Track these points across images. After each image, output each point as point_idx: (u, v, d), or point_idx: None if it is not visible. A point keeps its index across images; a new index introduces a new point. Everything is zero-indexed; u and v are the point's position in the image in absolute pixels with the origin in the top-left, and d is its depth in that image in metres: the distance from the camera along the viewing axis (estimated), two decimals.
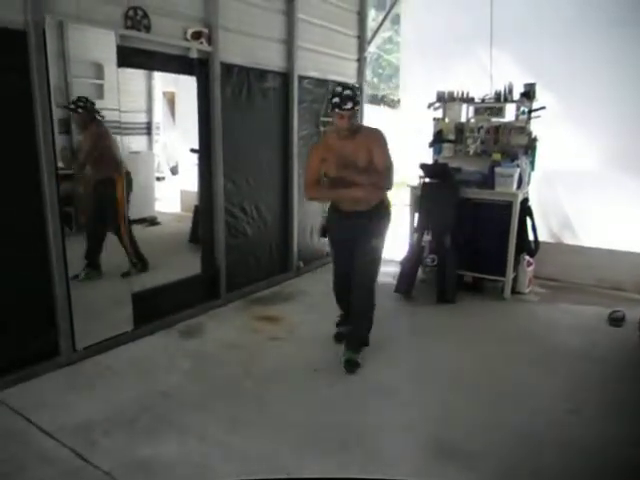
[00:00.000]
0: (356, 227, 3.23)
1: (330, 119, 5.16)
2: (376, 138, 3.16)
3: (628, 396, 3.00)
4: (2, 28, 2.66)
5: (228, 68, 4.04)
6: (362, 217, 3.21)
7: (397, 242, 4.93)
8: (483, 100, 4.75)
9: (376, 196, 3.21)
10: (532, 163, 4.68)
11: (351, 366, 3.24)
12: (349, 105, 2.98)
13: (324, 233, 3.86)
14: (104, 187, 3.62)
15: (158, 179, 5.59)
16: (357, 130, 3.14)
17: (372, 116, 6.42)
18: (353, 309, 3.37)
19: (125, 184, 3.65)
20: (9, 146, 2.79)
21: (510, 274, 4.53)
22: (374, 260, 3.29)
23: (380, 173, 3.09)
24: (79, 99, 3.21)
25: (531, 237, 4.58)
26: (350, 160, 3.11)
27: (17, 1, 2.70)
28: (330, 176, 3.20)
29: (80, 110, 3.23)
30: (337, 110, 3.02)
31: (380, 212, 3.27)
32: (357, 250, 3.26)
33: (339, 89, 3.04)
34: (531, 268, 4.73)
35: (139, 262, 4.08)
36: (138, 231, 4.15)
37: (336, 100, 3.00)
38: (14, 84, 2.76)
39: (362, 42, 5.75)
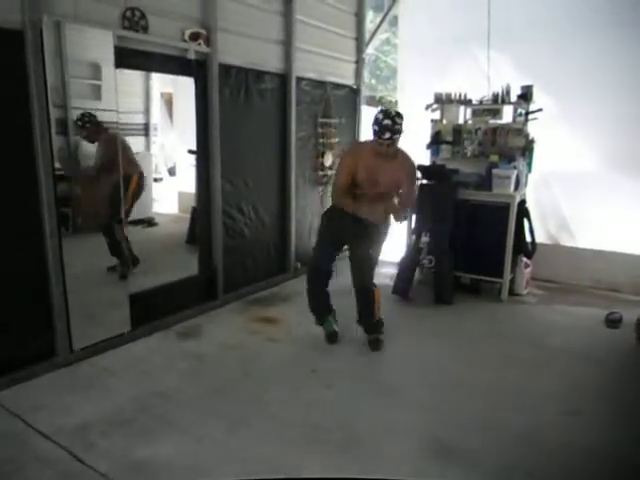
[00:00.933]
0: (353, 229, 3.33)
1: (327, 120, 5.25)
2: (409, 169, 3.26)
3: (626, 397, 3.00)
4: None
5: (226, 69, 4.04)
6: (362, 223, 3.31)
7: (395, 243, 4.93)
8: (481, 102, 4.76)
9: (384, 218, 3.33)
10: (529, 165, 4.69)
11: (377, 345, 3.51)
12: (387, 135, 3.01)
13: None
14: (120, 185, 3.63)
15: (155, 180, 5.57)
16: (394, 155, 3.17)
17: (369, 117, 6.42)
18: (358, 308, 3.54)
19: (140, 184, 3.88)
20: (6, 146, 2.78)
21: (507, 275, 4.54)
22: (371, 265, 3.41)
23: (401, 205, 3.17)
24: (83, 115, 3.28)
25: (528, 239, 4.59)
26: (380, 180, 3.18)
27: (14, 1, 2.69)
28: (357, 187, 3.26)
29: (88, 125, 3.30)
30: (376, 138, 3.05)
31: (379, 226, 3.36)
32: (353, 254, 3.41)
33: (380, 116, 3.04)
34: (528, 270, 4.74)
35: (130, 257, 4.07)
36: (136, 232, 4.13)
37: (375, 128, 3.03)
38: (11, 84, 2.75)
39: (360, 44, 5.76)
